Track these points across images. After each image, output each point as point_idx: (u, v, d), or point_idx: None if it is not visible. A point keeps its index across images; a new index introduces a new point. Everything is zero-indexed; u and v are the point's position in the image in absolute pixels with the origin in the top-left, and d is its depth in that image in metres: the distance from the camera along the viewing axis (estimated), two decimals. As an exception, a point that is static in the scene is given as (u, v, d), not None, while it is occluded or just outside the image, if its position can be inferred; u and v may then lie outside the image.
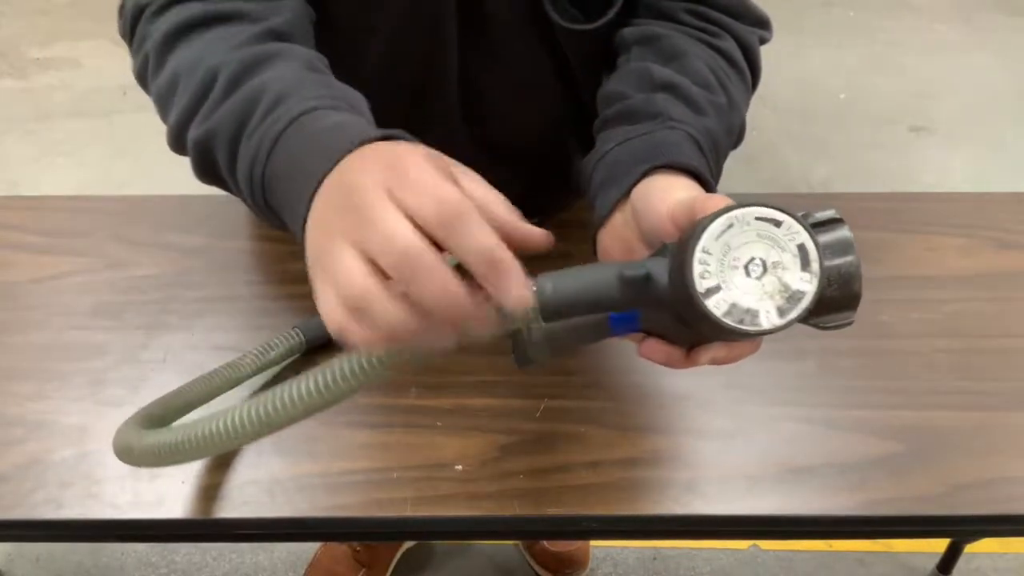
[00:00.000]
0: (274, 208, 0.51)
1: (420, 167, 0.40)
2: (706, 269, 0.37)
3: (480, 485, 0.67)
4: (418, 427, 0.71)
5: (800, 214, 0.42)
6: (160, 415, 0.63)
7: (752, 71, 0.71)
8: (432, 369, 0.74)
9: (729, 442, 0.71)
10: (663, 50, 0.67)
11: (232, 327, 0.78)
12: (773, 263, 0.37)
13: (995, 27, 3.01)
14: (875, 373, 0.76)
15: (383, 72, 0.71)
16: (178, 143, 0.59)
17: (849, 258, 0.43)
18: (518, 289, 0.39)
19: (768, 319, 0.37)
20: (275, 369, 0.74)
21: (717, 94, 0.65)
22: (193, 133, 0.56)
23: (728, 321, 0.37)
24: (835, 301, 0.43)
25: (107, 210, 0.91)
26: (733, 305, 0.37)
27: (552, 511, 0.66)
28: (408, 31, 0.70)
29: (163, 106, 0.59)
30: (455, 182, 0.41)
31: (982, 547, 1.51)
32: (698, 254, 0.37)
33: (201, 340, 0.77)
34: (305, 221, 0.46)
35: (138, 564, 1.51)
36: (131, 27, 0.64)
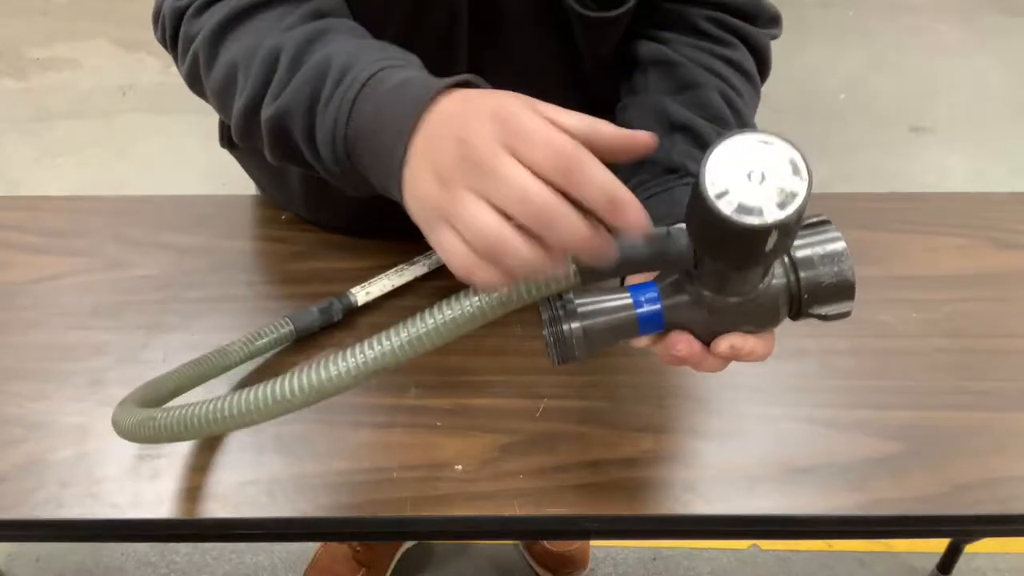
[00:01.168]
0: (360, 168, 0.54)
1: (527, 118, 0.44)
2: (715, 178, 0.43)
3: (480, 485, 0.67)
4: (418, 427, 0.71)
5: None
6: (151, 400, 0.64)
7: (763, 72, 0.75)
8: (432, 369, 0.74)
9: (729, 442, 0.71)
10: (678, 78, 0.70)
11: (232, 327, 0.78)
12: (771, 171, 0.43)
13: (995, 27, 3.01)
14: (875, 373, 0.76)
15: None
16: (247, 128, 0.60)
17: (843, 256, 0.50)
18: (637, 218, 0.44)
19: (771, 213, 0.43)
20: (263, 357, 0.75)
21: (731, 127, 0.68)
22: (265, 113, 0.57)
23: (738, 217, 0.43)
24: (833, 291, 0.50)
25: (107, 210, 0.91)
26: (740, 204, 0.43)
27: (552, 511, 0.66)
28: (423, 23, 0.70)
29: (223, 97, 0.61)
30: (559, 124, 0.44)
31: (982, 547, 1.51)
32: (708, 167, 0.44)
33: (201, 340, 0.77)
34: (401, 173, 0.48)
35: (138, 564, 1.51)
36: (173, 31, 0.64)
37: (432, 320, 0.49)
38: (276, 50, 0.57)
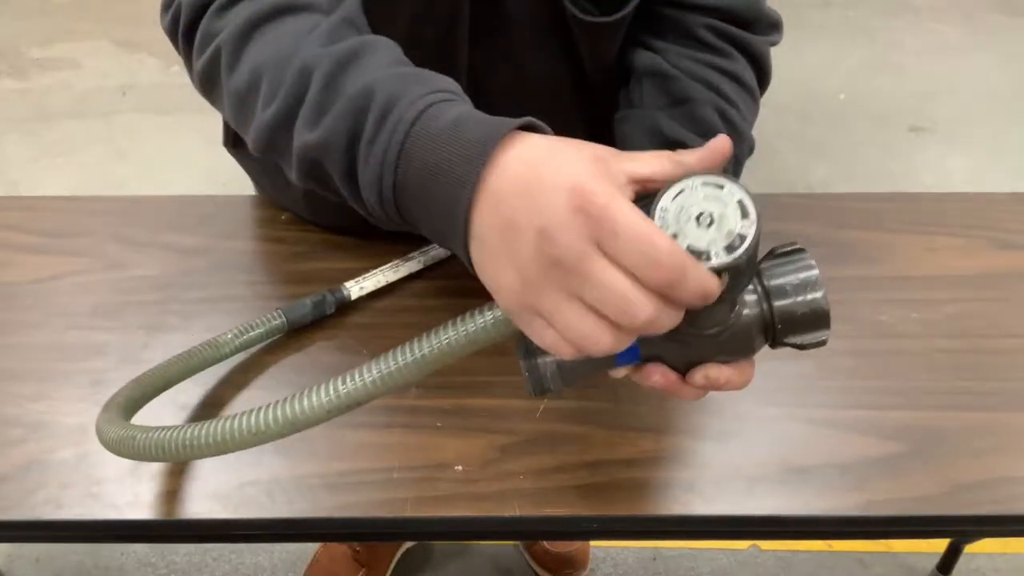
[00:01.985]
0: (410, 219, 0.51)
1: (615, 211, 0.42)
2: (665, 222, 0.45)
3: (480, 485, 0.67)
4: (418, 427, 0.71)
5: (767, 251, 0.51)
6: (140, 394, 0.65)
7: (762, 80, 0.74)
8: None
9: (729, 442, 0.71)
10: (672, 92, 0.70)
11: (232, 327, 0.78)
12: (719, 215, 0.44)
13: (995, 27, 3.02)
14: (875, 373, 0.76)
15: None
16: (269, 143, 0.57)
17: (815, 285, 0.50)
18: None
19: (718, 257, 0.44)
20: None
21: None
22: (298, 140, 0.54)
23: None
24: (808, 321, 0.50)
25: (107, 210, 0.91)
26: (689, 247, 0.44)
27: (552, 511, 0.66)
28: (423, 28, 0.70)
29: (243, 104, 0.57)
30: (644, 180, 0.45)
31: (982, 547, 1.51)
32: (658, 211, 0.45)
33: (201, 340, 0.77)
34: (466, 236, 0.47)
35: (138, 564, 1.51)
36: (190, 24, 0.62)
37: (405, 355, 0.50)
38: (307, 68, 0.53)
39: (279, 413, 0.52)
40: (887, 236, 0.89)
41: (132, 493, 0.66)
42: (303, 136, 0.53)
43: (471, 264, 0.48)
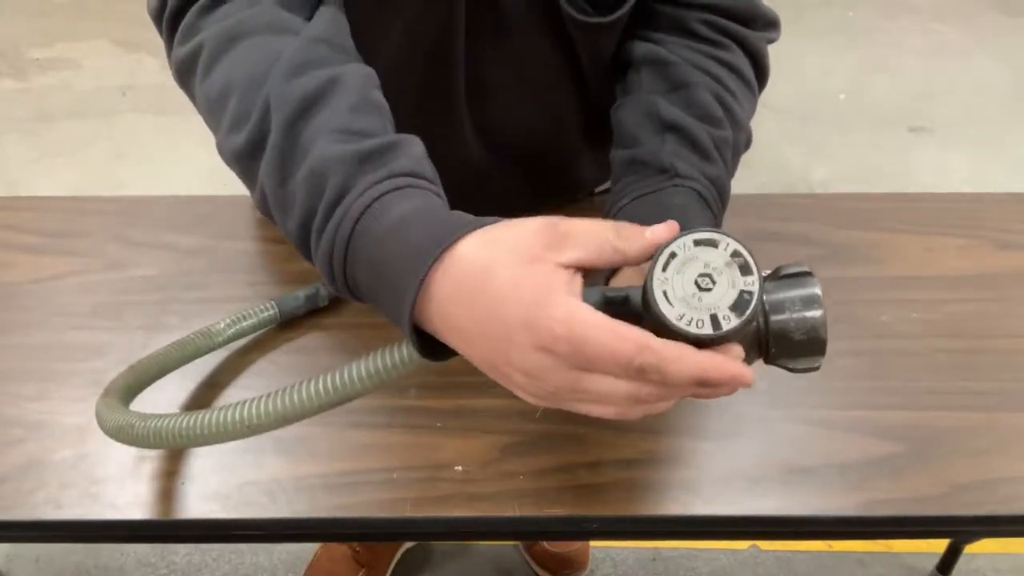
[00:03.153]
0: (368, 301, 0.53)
1: (590, 347, 0.43)
2: (666, 292, 0.44)
3: (480, 486, 0.67)
4: (418, 428, 0.71)
5: (774, 269, 0.50)
6: (136, 381, 0.67)
7: (760, 77, 0.74)
8: (432, 369, 0.74)
9: (729, 442, 0.71)
10: (670, 78, 0.70)
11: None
12: (719, 276, 0.44)
13: (995, 27, 3.01)
14: (875, 373, 0.76)
15: (394, 68, 0.71)
16: (240, 170, 0.58)
17: (816, 313, 0.48)
18: (736, 379, 0.45)
19: (727, 321, 0.43)
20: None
21: (723, 127, 0.67)
22: (258, 191, 0.56)
23: (698, 332, 0.44)
24: (803, 346, 0.49)
25: (107, 210, 0.91)
26: (697, 320, 0.44)
27: (552, 512, 0.66)
28: (421, 27, 0.70)
29: (211, 112, 0.59)
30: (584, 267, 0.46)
31: (982, 547, 1.51)
32: (657, 284, 0.44)
33: (201, 340, 0.77)
34: (418, 336, 0.49)
35: (138, 564, 1.51)
36: (175, 13, 0.62)
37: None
38: (271, 105, 0.54)
39: (271, 405, 0.53)
40: (887, 236, 0.89)
41: (132, 493, 0.66)
42: (265, 183, 0.55)
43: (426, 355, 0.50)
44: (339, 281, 0.52)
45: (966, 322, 0.80)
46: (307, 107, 0.54)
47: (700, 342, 0.44)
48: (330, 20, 0.61)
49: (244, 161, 0.56)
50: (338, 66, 0.57)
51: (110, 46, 2.76)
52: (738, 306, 0.43)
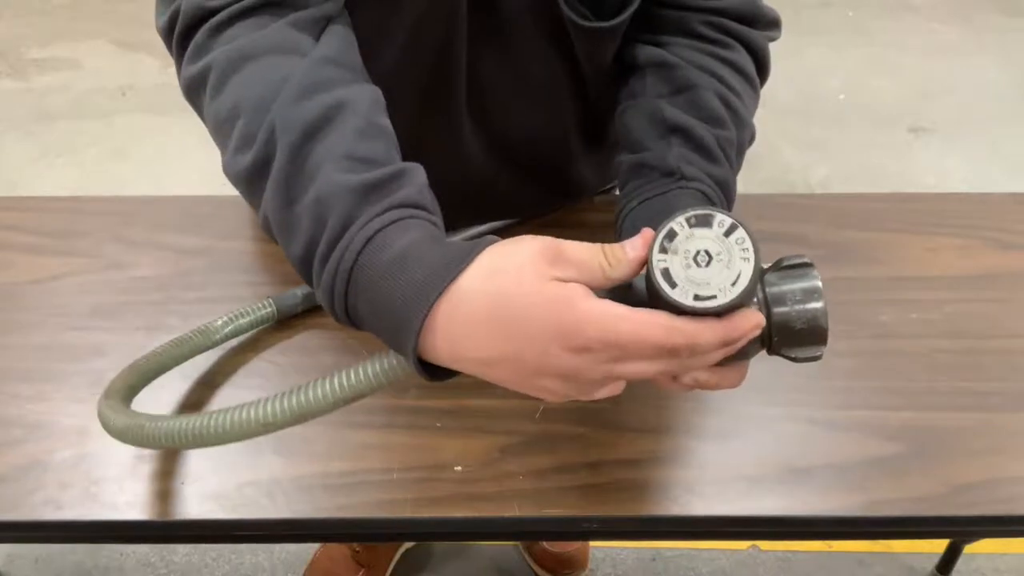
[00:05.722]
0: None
1: (621, 336, 0.47)
2: (665, 269, 0.46)
3: (480, 486, 0.67)
4: (418, 428, 0.71)
5: (775, 261, 0.52)
6: (136, 381, 0.67)
7: (761, 73, 0.74)
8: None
9: (729, 442, 0.71)
10: (674, 81, 0.70)
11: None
12: (716, 253, 0.46)
13: (995, 27, 3.01)
14: (875, 373, 0.76)
15: (396, 72, 0.71)
16: (247, 189, 0.58)
17: (817, 303, 0.50)
18: (750, 329, 0.49)
19: (724, 295, 0.46)
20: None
21: (727, 128, 0.68)
22: (262, 212, 0.56)
23: (697, 305, 0.46)
24: (805, 336, 0.50)
25: (106, 211, 0.91)
26: (695, 294, 0.46)
27: (552, 512, 0.66)
28: (423, 32, 0.70)
29: (219, 130, 0.59)
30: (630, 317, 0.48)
31: (982, 547, 1.51)
32: (657, 267, 0.46)
33: (201, 340, 0.77)
34: (422, 364, 0.51)
35: (137, 564, 1.51)
36: (185, 32, 0.62)
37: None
38: (279, 128, 0.55)
39: (286, 404, 0.53)
40: (887, 236, 0.89)
41: (132, 493, 0.66)
42: (269, 205, 0.55)
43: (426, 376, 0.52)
44: (340, 312, 0.53)
45: (966, 322, 0.80)
46: (313, 132, 0.55)
47: (707, 316, 0.46)
48: (338, 38, 0.61)
49: (249, 182, 0.57)
50: (344, 88, 0.57)
51: (110, 46, 2.76)
52: (738, 277, 0.46)
